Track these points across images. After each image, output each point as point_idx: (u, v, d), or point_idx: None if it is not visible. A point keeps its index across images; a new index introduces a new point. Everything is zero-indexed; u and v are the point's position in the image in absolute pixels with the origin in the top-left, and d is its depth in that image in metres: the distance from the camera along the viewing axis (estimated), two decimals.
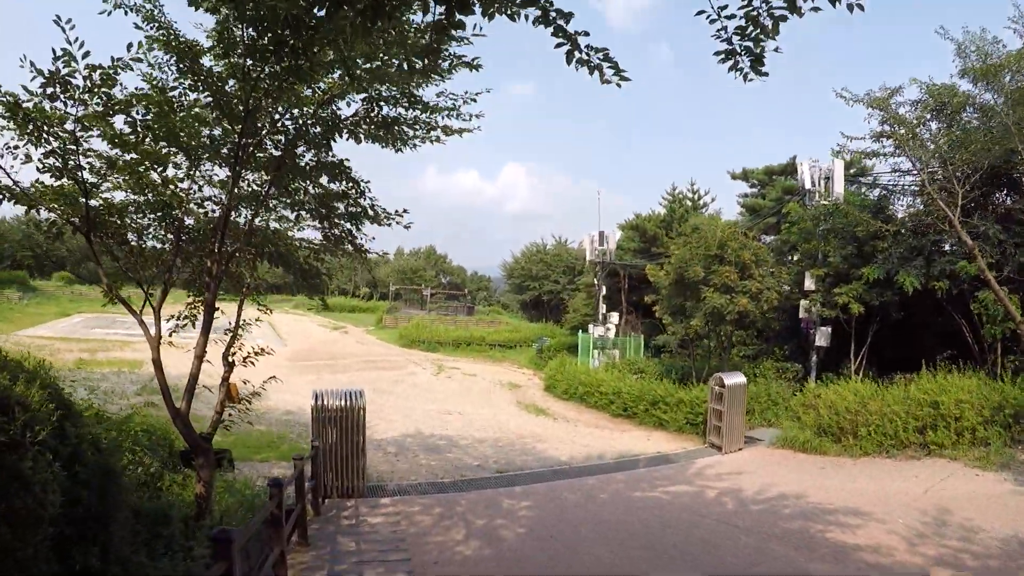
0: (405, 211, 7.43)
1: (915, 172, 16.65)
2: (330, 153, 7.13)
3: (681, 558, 8.28)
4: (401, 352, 34.00)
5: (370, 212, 7.55)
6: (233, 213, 7.67)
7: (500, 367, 30.66)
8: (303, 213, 7.83)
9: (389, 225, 7.69)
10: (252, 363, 7.43)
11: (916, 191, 17.71)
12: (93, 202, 6.75)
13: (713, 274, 17.76)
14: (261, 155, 7.52)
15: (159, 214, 7.18)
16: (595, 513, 10.23)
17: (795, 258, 20.63)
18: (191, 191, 7.27)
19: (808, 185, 19.59)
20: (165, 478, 7.61)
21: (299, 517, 7.33)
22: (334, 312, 58.58)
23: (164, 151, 6.73)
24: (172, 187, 7.23)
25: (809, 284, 18.93)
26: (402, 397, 21.37)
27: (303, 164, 7.32)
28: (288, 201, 7.67)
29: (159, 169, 6.94)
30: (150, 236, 7.47)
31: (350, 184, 7.48)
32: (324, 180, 7.72)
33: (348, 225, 7.73)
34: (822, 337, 18.69)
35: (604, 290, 28.72)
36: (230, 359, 7.36)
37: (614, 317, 28.01)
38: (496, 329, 39.35)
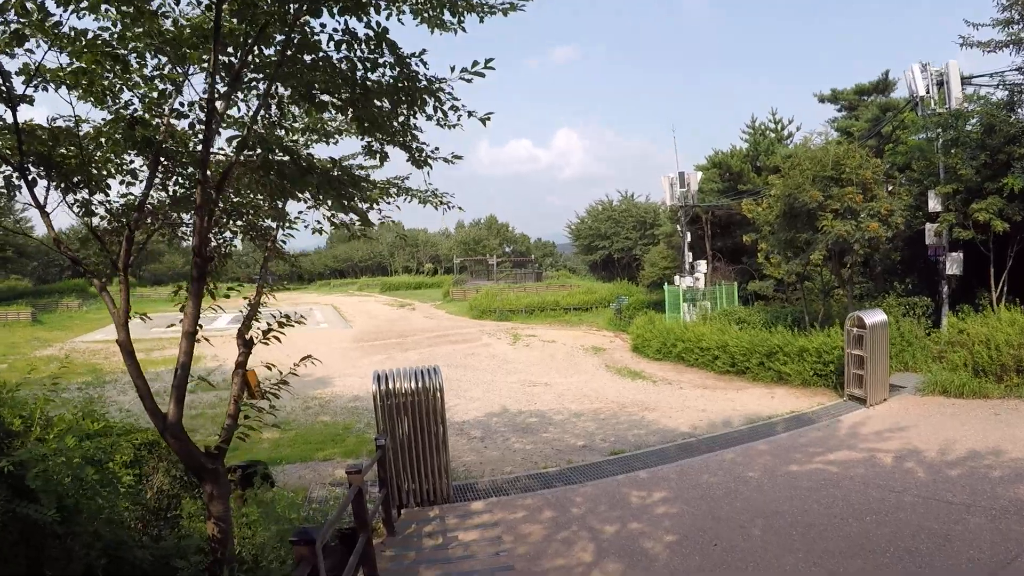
0: (488, 62, 4.70)
1: None
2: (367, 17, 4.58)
3: (913, 562, 5.81)
4: (473, 323, 32.32)
5: (427, 98, 4.98)
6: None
7: (578, 331, 28.57)
8: (331, 112, 5.36)
9: (458, 123, 5.17)
10: (277, 339, 5.14)
11: None
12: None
13: (831, 199, 15.03)
14: (268, 52, 5.21)
15: (128, 137, 4.94)
16: (754, 501, 7.83)
17: (893, 187, 17.61)
18: (168, 96, 5.01)
19: (921, 92, 16.77)
20: (184, 504, 5.51)
21: (363, 555, 5.07)
22: (399, 291, 58.42)
23: (113, 33, 4.49)
24: (147, 100, 5.03)
25: (934, 205, 16.21)
26: (480, 371, 19.30)
27: (323, 49, 4.88)
28: (303, 96, 5.15)
29: (117, 69, 4.72)
30: (123, 169, 5.27)
31: (397, 69, 4.96)
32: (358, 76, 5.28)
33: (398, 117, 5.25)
34: (954, 264, 16.15)
35: (689, 237, 25.84)
36: (247, 336, 5.13)
37: (701, 266, 25.53)
38: (569, 292, 37.30)
